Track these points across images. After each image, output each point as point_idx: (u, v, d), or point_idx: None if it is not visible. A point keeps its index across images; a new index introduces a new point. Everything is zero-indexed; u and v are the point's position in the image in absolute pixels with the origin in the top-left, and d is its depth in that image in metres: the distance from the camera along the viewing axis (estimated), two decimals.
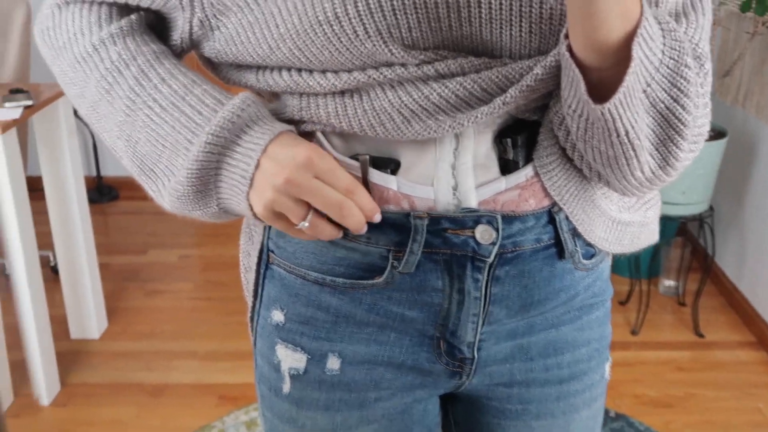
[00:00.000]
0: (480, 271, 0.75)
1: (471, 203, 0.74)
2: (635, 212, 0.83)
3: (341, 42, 0.66)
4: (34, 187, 2.52)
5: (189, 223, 3.55)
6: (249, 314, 0.87)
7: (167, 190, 0.74)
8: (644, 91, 0.62)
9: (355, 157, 0.73)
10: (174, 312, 2.78)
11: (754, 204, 2.67)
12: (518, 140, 0.73)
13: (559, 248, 0.78)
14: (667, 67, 0.62)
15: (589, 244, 0.80)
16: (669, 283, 2.86)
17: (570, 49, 0.61)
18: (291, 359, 0.82)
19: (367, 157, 0.73)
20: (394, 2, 0.64)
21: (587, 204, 0.77)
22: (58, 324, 2.57)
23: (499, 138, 0.73)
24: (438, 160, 0.73)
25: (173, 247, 3.29)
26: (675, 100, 0.63)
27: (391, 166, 0.73)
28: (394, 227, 0.74)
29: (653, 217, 0.86)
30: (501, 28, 0.66)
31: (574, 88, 0.63)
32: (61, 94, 2.27)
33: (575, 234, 0.78)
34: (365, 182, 0.73)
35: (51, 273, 2.87)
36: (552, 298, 0.80)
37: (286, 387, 0.84)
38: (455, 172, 0.73)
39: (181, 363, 2.47)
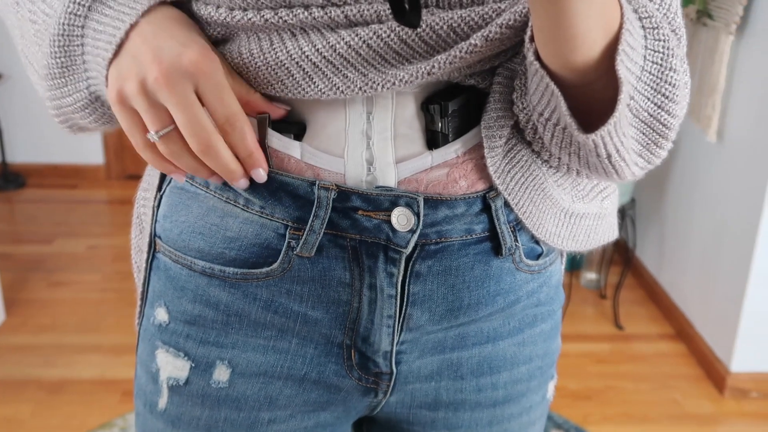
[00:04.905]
0: (395, 263, 0.63)
1: (389, 181, 0.62)
2: (590, 202, 0.71)
3: None
4: None
5: (100, 211, 3.39)
6: (137, 319, 0.74)
7: (40, 54, 0.62)
8: (627, 105, 0.54)
9: (251, 115, 0.62)
10: (79, 304, 2.63)
11: (674, 197, 2.67)
12: (448, 108, 0.60)
13: (495, 243, 0.66)
14: (650, 73, 0.54)
15: (535, 241, 0.69)
16: (590, 276, 2.85)
17: (538, 56, 0.52)
18: (172, 367, 0.69)
19: (266, 116, 0.62)
20: None
21: (536, 192, 0.65)
22: None
23: (426, 104, 0.61)
24: (348, 125, 0.61)
25: (82, 236, 3.12)
26: (660, 107, 0.56)
27: (294, 129, 0.62)
28: (294, 197, 0.62)
29: (611, 209, 0.74)
30: None
31: (546, 98, 0.54)
32: None
33: (517, 227, 0.67)
34: (262, 146, 0.62)
35: None
36: (486, 302, 0.68)
37: (163, 402, 0.70)
38: (371, 142, 0.62)
39: (83, 357, 2.33)
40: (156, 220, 0.70)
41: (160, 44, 0.56)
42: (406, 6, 0.48)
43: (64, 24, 0.59)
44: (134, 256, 0.76)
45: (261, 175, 0.61)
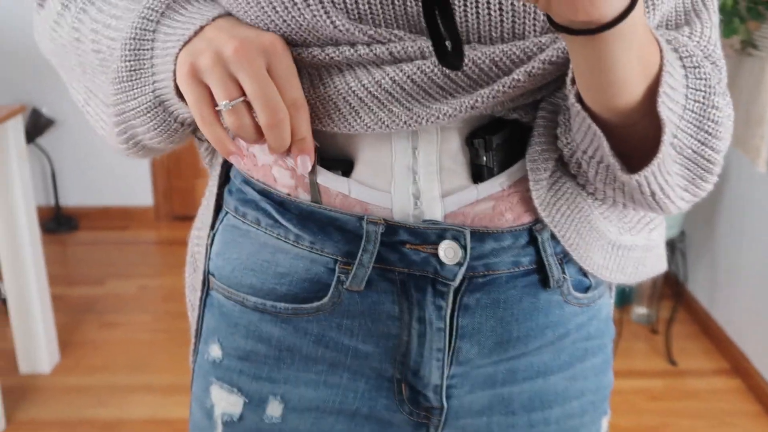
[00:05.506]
0: (443, 296, 0.64)
1: (436, 215, 0.63)
2: (638, 234, 0.71)
3: (277, 12, 0.57)
4: None
5: (149, 252, 3.45)
6: (191, 357, 0.76)
7: (106, 81, 0.64)
8: (671, 143, 0.55)
9: None
10: (130, 344, 2.67)
11: (725, 228, 2.63)
12: (492, 142, 0.62)
13: (542, 275, 0.67)
14: (693, 111, 0.56)
15: (583, 274, 0.70)
16: (641, 310, 2.80)
17: (580, 99, 0.54)
18: (225, 403, 0.70)
19: (315, 155, 0.63)
20: None
21: (582, 224, 0.66)
22: (7, 358, 2.45)
23: (470, 138, 0.62)
24: (394, 160, 0.63)
25: (132, 277, 3.18)
26: (703, 144, 0.57)
27: (341, 166, 0.64)
28: (343, 232, 0.64)
29: (658, 240, 0.74)
30: (465, 5, 0.56)
31: (589, 138, 0.56)
32: (10, 115, 2.18)
33: (564, 259, 0.68)
34: (311, 183, 0.64)
35: (1, 305, 2.75)
36: (535, 335, 0.68)
37: None
38: (417, 177, 0.63)
39: (136, 398, 2.36)
40: (209, 258, 0.72)
41: (236, 30, 0.58)
42: (449, 49, 0.50)
43: (137, 28, 0.61)
44: (188, 294, 0.78)
45: (307, 164, 0.62)
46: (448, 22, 0.50)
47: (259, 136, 0.60)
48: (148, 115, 0.64)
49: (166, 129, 0.65)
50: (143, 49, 0.61)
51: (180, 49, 0.59)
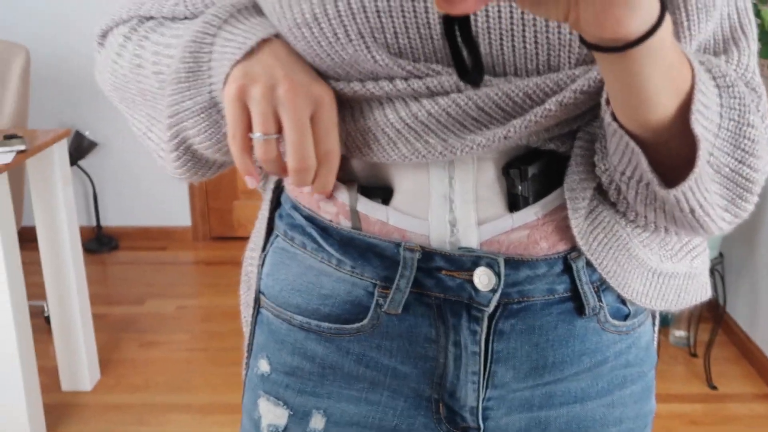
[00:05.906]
0: (478, 322, 0.66)
1: (471, 242, 0.65)
2: (679, 261, 0.72)
3: (321, 46, 0.60)
4: (31, 238, 2.48)
5: (187, 272, 3.50)
6: (243, 370, 0.80)
7: (165, 88, 0.66)
8: (707, 161, 0.56)
9: (342, 182, 0.67)
10: (169, 363, 2.70)
11: (765, 250, 2.59)
12: (527, 172, 0.64)
13: (578, 303, 0.68)
14: (728, 129, 0.57)
15: (622, 301, 0.70)
16: (680, 333, 2.77)
17: (615, 118, 0.55)
18: (272, 415, 0.73)
19: (355, 184, 0.67)
20: (379, 3, 0.57)
21: (620, 252, 0.67)
22: (50, 376, 2.50)
23: (506, 168, 0.64)
24: (431, 189, 0.65)
25: (171, 297, 3.22)
26: (741, 162, 0.58)
27: (381, 194, 0.67)
28: (382, 258, 0.66)
29: (701, 268, 0.75)
30: (501, 38, 0.58)
31: (627, 156, 0.57)
32: (56, 139, 2.25)
33: (601, 287, 0.69)
34: (352, 211, 0.67)
35: (45, 324, 2.81)
36: (571, 361, 0.69)
37: None
38: (453, 205, 0.65)
39: (175, 416, 2.39)
40: (260, 278, 0.75)
41: (293, 68, 0.61)
42: (469, 67, 0.53)
43: (198, 32, 0.64)
44: (243, 311, 0.81)
45: (322, 199, 0.68)
46: (468, 39, 0.51)
47: (283, 171, 0.63)
48: (202, 115, 0.66)
49: (216, 133, 0.67)
50: (202, 52, 0.64)
51: (242, 56, 0.61)
